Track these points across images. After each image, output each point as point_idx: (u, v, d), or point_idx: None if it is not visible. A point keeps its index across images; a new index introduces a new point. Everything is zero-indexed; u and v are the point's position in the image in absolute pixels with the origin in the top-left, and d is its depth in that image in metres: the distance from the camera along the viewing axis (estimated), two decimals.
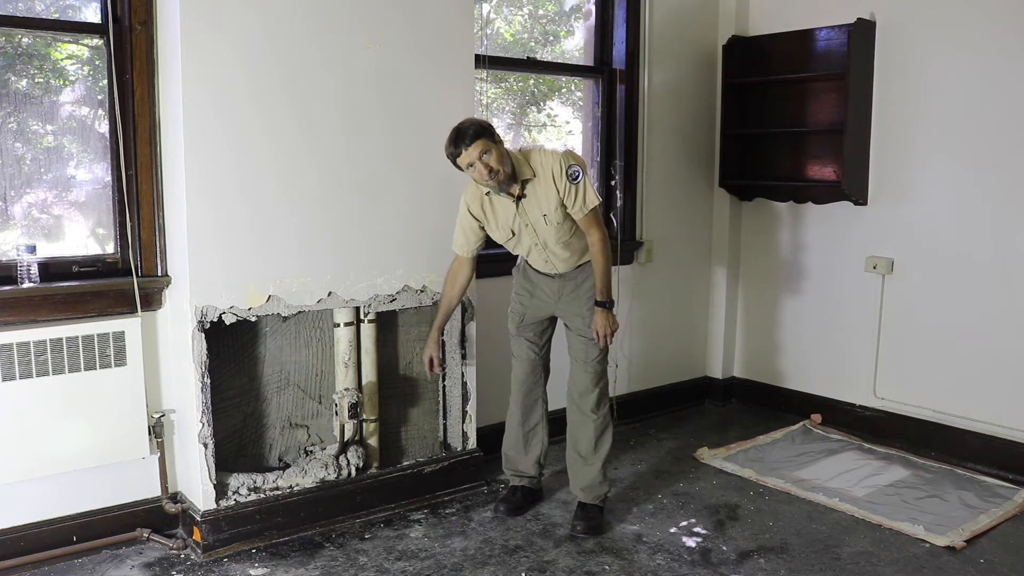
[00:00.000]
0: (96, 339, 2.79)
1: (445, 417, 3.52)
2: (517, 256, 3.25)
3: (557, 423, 3.35)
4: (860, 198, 4.08)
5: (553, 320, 3.25)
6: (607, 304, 3.02)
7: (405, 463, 3.38)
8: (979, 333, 3.76)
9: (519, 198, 2.96)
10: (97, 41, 2.91)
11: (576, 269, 3.10)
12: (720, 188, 4.60)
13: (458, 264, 3.16)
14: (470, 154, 2.81)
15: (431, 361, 3.21)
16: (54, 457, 2.77)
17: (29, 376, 2.69)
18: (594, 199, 2.95)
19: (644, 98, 4.25)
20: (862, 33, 3.95)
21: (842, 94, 3.99)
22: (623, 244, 4.19)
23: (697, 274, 4.66)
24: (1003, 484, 3.54)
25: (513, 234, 3.05)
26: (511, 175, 2.89)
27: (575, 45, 4.38)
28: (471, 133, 2.81)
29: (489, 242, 3.55)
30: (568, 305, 3.12)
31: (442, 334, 3.31)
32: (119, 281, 2.87)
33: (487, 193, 2.99)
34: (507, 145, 2.96)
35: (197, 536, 2.90)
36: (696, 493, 3.49)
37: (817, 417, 4.35)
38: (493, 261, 3.50)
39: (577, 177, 2.91)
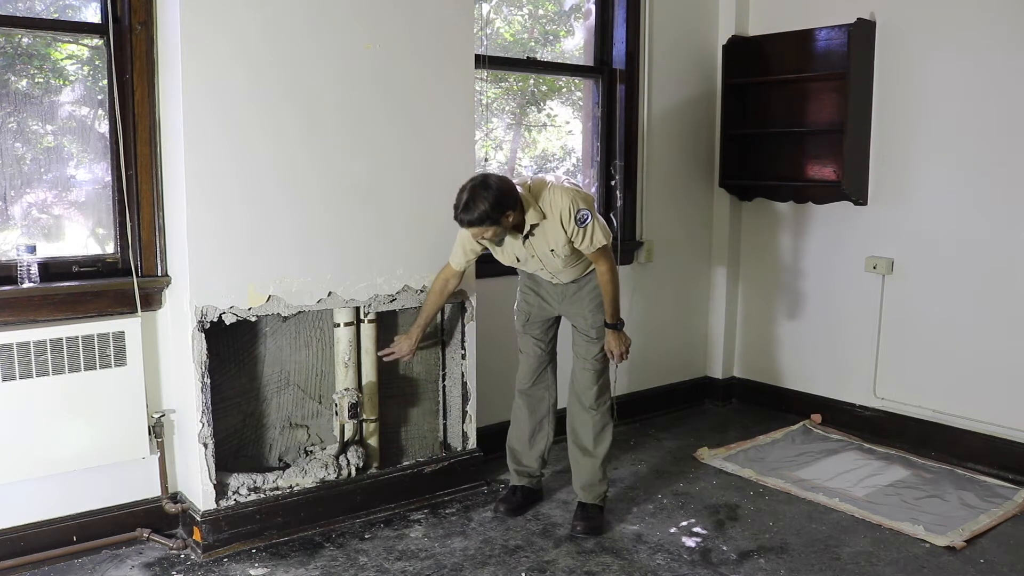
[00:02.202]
0: (96, 339, 2.79)
1: (445, 417, 3.52)
2: None
3: (560, 421, 3.34)
4: (860, 198, 4.08)
5: (558, 318, 3.27)
6: (618, 326, 3.08)
7: (405, 463, 3.38)
8: (979, 333, 3.76)
9: (526, 236, 2.97)
10: (97, 41, 2.91)
11: (581, 276, 3.13)
12: (720, 188, 4.60)
13: (448, 273, 3.16)
14: (469, 230, 2.86)
15: (397, 348, 3.21)
16: (54, 457, 2.77)
17: (29, 376, 2.69)
18: (601, 239, 2.96)
19: (644, 98, 4.25)
20: (862, 33, 3.95)
21: (842, 94, 3.99)
22: (623, 244, 4.19)
23: (697, 274, 4.66)
24: (1003, 484, 3.54)
25: (519, 260, 3.08)
26: (517, 227, 2.92)
27: (575, 45, 4.38)
28: (468, 219, 2.78)
29: None
30: (571, 306, 3.15)
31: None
32: (119, 281, 2.87)
33: None
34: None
35: (197, 536, 2.90)
36: (696, 493, 3.49)
37: (817, 417, 4.35)
38: (493, 261, 3.49)
39: (585, 221, 2.91)
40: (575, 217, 2.91)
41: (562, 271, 3.08)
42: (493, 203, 2.76)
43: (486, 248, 3.08)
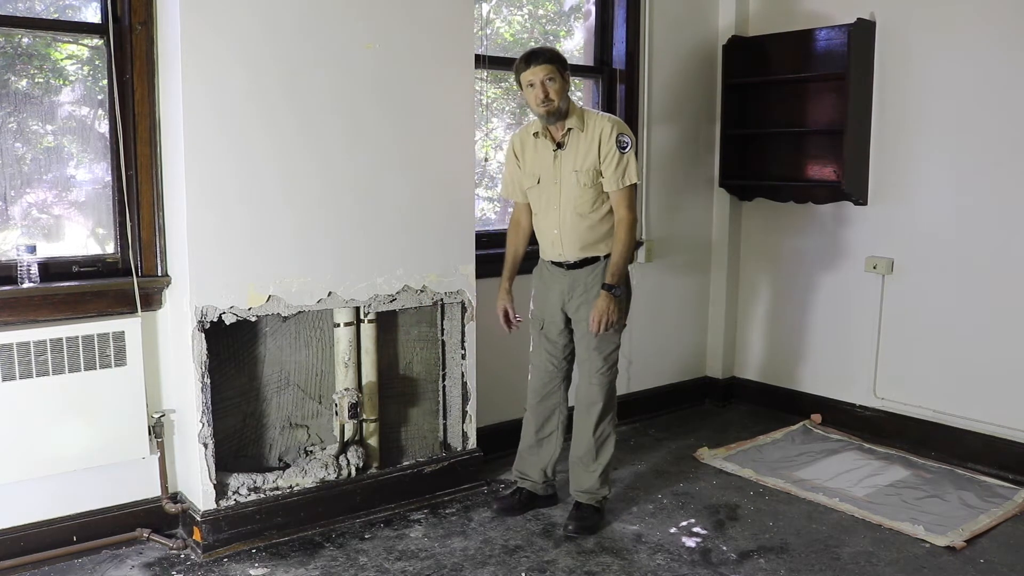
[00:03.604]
0: (96, 339, 2.79)
1: (445, 417, 3.52)
2: (525, 256, 3.26)
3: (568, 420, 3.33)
4: (860, 198, 4.08)
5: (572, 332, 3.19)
6: (614, 289, 2.97)
7: (405, 463, 3.38)
8: (979, 333, 3.76)
9: (559, 146, 2.99)
10: (97, 41, 2.91)
11: (585, 266, 3.06)
12: (720, 188, 4.60)
13: (517, 211, 3.24)
14: (536, 72, 2.90)
15: (506, 314, 3.21)
16: (54, 457, 2.77)
17: (29, 376, 2.69)
18: (634, 175, 2.98)
19: (644, 98, 4.25)
20: (862, 33, 3.95)
21: (842, 94, 3.99)
22: None
23: (697, 274, 4.66)
24: (1003, 484, 3.54)
25: (538, 182, 3.07)
26: (563, 113, 2.95)
27: (575, 45, 4.38)
28: (547, 55, 2.91)
29: (489, 243, 3.54)
30: (577, 307, 3.09)
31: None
32: (119, 281, 2.87)
33: (535, 134, 3.06)
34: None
35: (197, 536, 2.90)
36: (696, 493, 3.49)
37: (817, 417, 4.35)
38: (493, 261, 3.50)
39: (625, 146, 2.93)
40: (616, 139, 2.93)
41: (571, 223, 3.00)
42: (558, 53, 2.95)
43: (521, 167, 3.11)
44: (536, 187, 3.08)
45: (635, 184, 3.00)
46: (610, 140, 2.92)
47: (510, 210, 3.45)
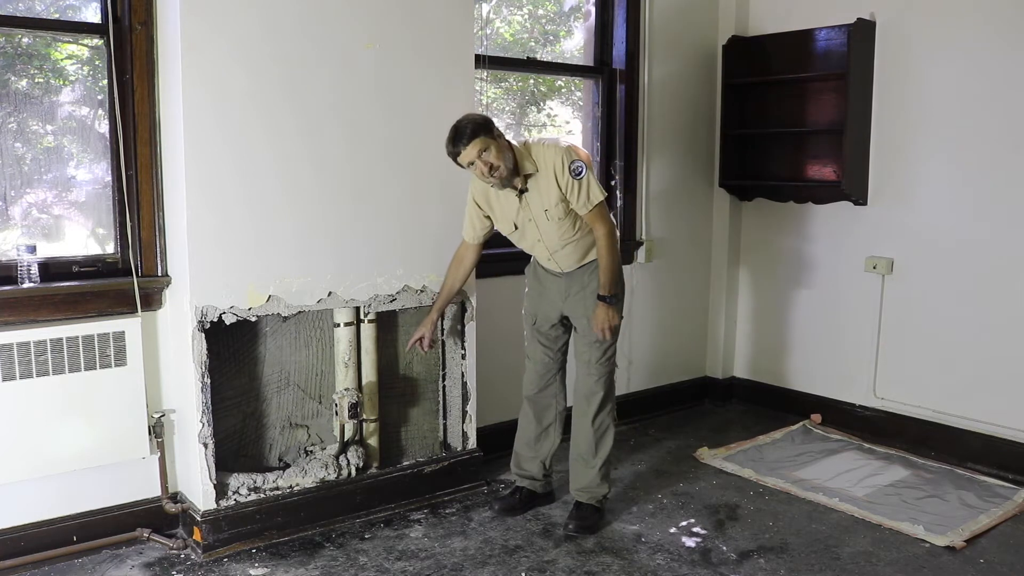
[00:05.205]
0: (96, 339, 2.79)
1: (445, 417, 3.52)
2: (524, 256, 3.25)
3: (568, 421, 3.33)
4: (860, 198, 4.08)
5: (568, 327, 3.22)
6: (609, 298, 3.00)
7: (405, 463, 3.38)
8: (979, 333, 3.76)
9: (522, 192, 2.96)
10: (97, 41, 2.91)
11: (581, 268, 3.09)
12: (720, 188, 4.60)
13: (463, 249, 3.17)
14: (469, 153, 2.81)
15: (420, 340, 3.19)
16: (54, 457, 2.77)
17: (29, 376, 2.69)
18: (598, 195, 2.93)
19: (644, 98, 4.25)
20: (862, 33, 3.95)
21: (842, 94, 3.99)
22: (623, 244, 4.17)
23: (697, 274, 4.66)
24: (1003, 484, 3.54)
25: (516, 227, 3.04)
26: (513, 170, 2.89)
27: (575, 45, 4.38)
28: (468, 132, 2.80)
29: (491, 241, 3.53)
30: (574, 306, 3.10)
31: (441, 318, 3.28)
32: (119, 281, 2.87)
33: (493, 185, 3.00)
34: (509, 137, 2.95)
35: (197, 536, 2.90)
36: (696, 493, 3.49)
37: (817, 417, 4.35)
38: (493, 261, 3.50)
39: (580, 173, 2.88)
40: (569, 168, 2.88)
41: (560, 248, 3.02)
42: (481, 122, 2.82)
43: (488, 216, 3.06)
44: (516, 232, 3.06)
45: (603, 200, 2.95)
46: (564, 173, 2.88)
47: None
